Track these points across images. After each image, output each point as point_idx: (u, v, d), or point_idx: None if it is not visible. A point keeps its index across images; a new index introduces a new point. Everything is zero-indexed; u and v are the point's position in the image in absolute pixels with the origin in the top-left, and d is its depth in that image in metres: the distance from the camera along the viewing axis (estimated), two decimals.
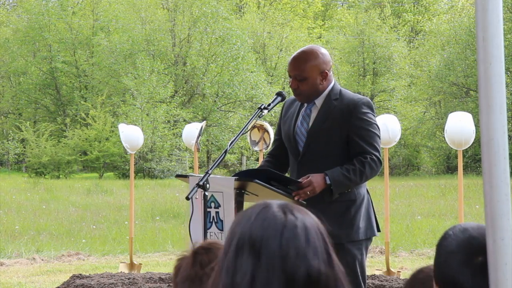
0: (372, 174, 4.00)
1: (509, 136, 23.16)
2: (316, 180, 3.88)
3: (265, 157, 4.50)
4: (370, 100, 4.17)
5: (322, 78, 4.06)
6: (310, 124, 4.10)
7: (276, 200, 1.75)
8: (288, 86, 4.20)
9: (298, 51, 4.15)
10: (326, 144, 4.04)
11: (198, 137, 8.08)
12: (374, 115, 4.09)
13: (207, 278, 1.98)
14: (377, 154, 4.01)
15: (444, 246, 1.83)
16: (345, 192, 3.99)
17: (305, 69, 4.03)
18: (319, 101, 4.11)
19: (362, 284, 4.03)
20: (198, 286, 2.00)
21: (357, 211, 4.03)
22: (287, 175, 4.22)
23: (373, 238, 4.18)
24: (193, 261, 2.04)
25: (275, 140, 4.44)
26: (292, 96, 4.31)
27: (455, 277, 1.76)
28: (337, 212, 3.98)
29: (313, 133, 4.07)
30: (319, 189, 3.88)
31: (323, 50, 4.12)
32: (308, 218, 1.71)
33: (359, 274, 4.01)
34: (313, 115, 4.12)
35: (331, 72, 4.14)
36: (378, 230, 4.16)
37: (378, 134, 4.08)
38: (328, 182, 3.90)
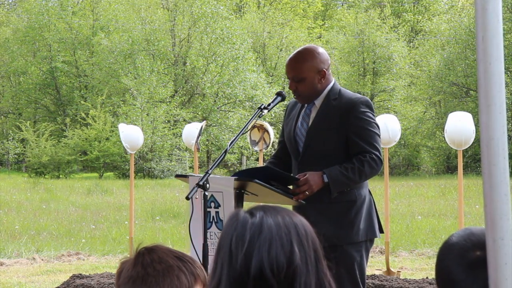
0: (372, 173, 3.95)
1: (509, 136, 23.16)
2: (313, 178, 3.85)
3: (269, 158, 4.49)
4: (369, 99, 4.14)
5: (320, 77, 4.03)
6: (309, 124, 4.09)
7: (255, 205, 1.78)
8: (288, 86, 4.18)
9: (294, 52, 4.12)
10: (325, 144, 4.01)
11: (198, 137, 8.07)
12: (373, 114, 4.05)
13: (149, 278, 1.98)
14: (377, 153, 3.96)
15: (444, 243, 1.83)
16: (345, 193, 3.95)
17: (302, 70, 4.00)
18: (318, 101, 4.10)
19: (361, 286, 3.97)
20: (139, 286, 1.99)
21: (357, 212, 3.98)
22: None
23: (375, 239, 4.15)
24: (135, 262, 2.04)
25: (279, 142, 4.44)
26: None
27: (449, 271, 1.75)
28: (337, 212, 3.94)
29: (312, 133, 4.06)
30: (317, 188, 3.85)
31: (320, 50, 4.09)
32: (273, 217, 1.72)
33: (358, 276, 3.95)
34: (312, 115, 4.10)
35: (330, 71, 4.10)
36: (381, 232, 4.11)
37: (378, 133, 4.04)
38: (326, 180, 3.87)
